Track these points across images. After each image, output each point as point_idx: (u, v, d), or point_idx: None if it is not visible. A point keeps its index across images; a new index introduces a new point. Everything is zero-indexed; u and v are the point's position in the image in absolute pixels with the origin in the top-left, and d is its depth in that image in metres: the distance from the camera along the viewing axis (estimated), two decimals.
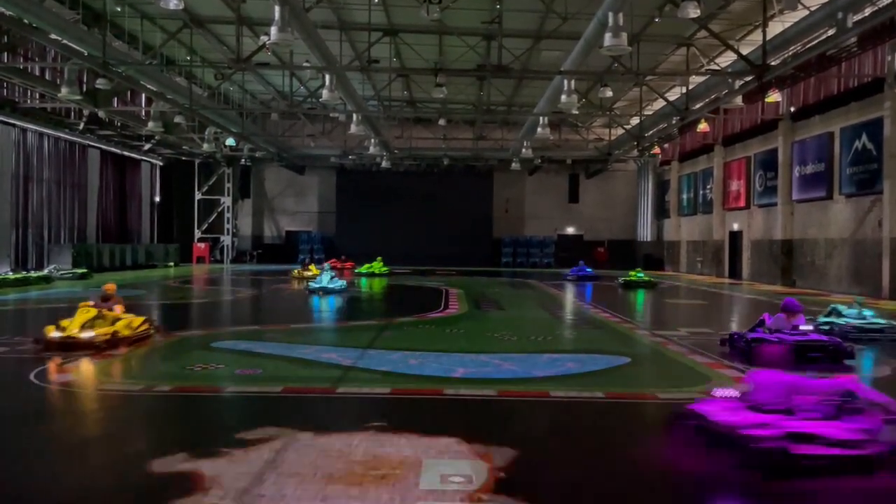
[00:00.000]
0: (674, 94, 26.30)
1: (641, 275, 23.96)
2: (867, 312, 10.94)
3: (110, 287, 10.05)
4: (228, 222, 39.05)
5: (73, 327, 8.87)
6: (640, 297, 19.88)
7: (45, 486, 4.33)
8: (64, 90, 18.30)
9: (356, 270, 28.42)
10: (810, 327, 8.52)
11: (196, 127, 29.58)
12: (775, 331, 8.33)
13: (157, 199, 37.30)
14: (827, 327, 10.20)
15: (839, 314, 10.89)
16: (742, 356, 7.92)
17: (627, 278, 23.63)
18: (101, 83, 19.76)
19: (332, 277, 19.13)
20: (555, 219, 40.35)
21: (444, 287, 21.41)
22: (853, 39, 17.57)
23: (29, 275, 21.29)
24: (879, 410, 4.42)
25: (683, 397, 6.83)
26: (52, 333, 8.80)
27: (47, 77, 23.15)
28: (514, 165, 34.00)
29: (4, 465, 4.77)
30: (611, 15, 13.80)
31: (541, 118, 24.06)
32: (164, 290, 20.64)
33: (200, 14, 20.02)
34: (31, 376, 7.31)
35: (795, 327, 8.29)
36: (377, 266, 28.19)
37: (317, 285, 18.79)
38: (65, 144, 27.98)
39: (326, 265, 21.10)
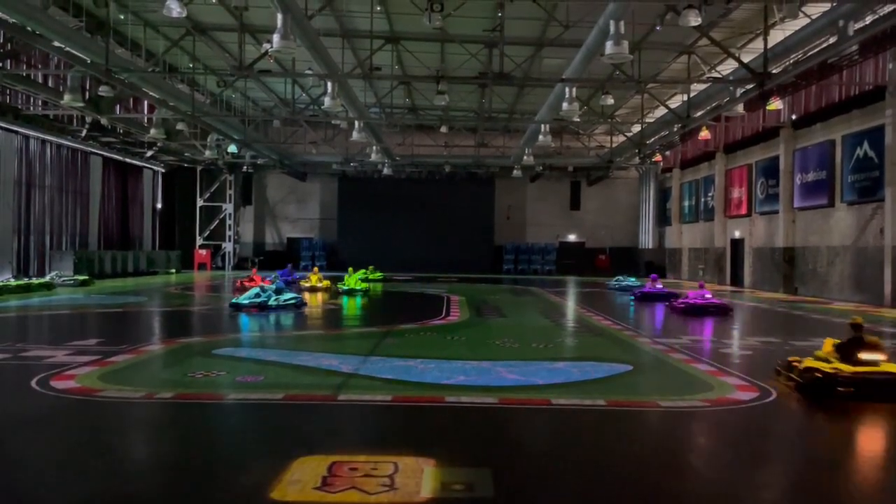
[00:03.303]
0: (675, 102, 26.31)
1: (378, 275, 28.08)
2: (632, 279, 26.21)
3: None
4: (230, 229, 39.10)
5: None
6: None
7: (38, 495, 4.32)
8: (67, 97, 18.39)
9: (340, 286, 21.78)
10: (660, 285, 20.04)
11: (198, 134, 29.64)
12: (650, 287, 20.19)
13: (159, 205, 37.34)
14: (616, 283, 25.77)
15: (623, 280, 25.85)
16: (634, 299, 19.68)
17: (344, 285, 21.71)
18: (103, 90, 19.81)
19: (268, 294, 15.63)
20: (556, 226, 40.35)
21: (446, 294, 21.39)
22: (854, 47, 17.62)
23: (31, 281, 21.29)
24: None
25: (684, 405, 6.82)
26: None
27: (50, 84, 23.25)
28: (516, 172, 34.03)
29: (3, 471, 4.77)
30: (612, 23, 13.84)
31: (542, 125, 24.11)
32: (165, 296, 20.64)
33: (203, 22, 20.09)
34: (33, 383, 7.31)
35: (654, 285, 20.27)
36: (356, 278, 21.89)
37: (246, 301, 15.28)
38: (67, 151, 28.03)
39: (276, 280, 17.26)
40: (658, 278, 21.01)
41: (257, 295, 15.46)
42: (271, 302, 15.34)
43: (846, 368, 7.00)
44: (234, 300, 15.69)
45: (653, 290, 19.92)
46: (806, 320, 15.76)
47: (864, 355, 7.10)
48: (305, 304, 16.75)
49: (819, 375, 7.08)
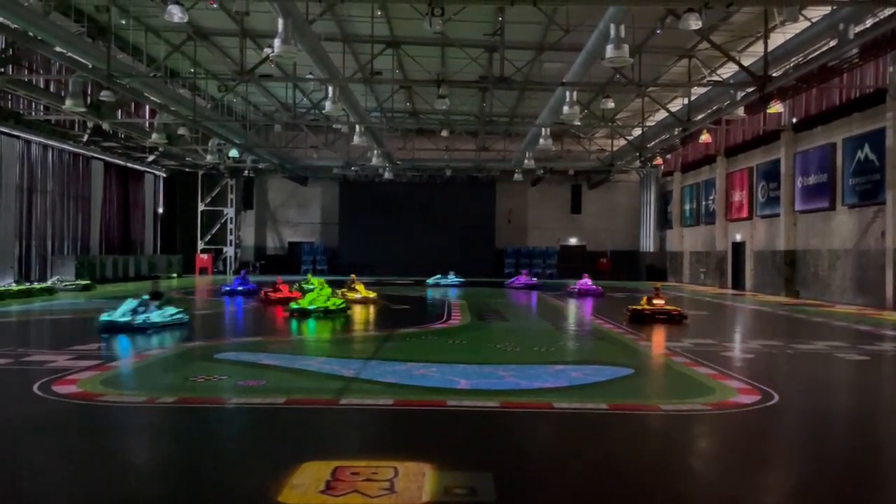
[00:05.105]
0: (676, 105, 26.33)
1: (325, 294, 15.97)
2: (454, 278, 29.21)
3: None
4: (231, 233, 39.11)
5: None
6: None
7: (41, 499, 4.32)
8: (68, 102, 18.38)
9: (293, 305, 15.71)
10: (533, 279, 28.91)
11: (199, 139, 29.67)
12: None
13: (161, 210, 37.39)
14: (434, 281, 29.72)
15: (443, 277, 29.42)
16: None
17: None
18: (105, 95, 19.85)
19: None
20: (557, 229, 40.35)
21: (447, 298, 21.39)
22: (855, 50, 17.61)
23: (32, 286, 21.32)
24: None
25: (686, 408, 6.82)
26: None
27: (52, 89, 23.27)
28: (517, 176, 34.03)
29: (2, 476, 4.77)
30: (612, 26, 13.85)
31: (543, 129, 24.10)
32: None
33: (204, 27, 20.12)
34: (35, 387, 7.31)
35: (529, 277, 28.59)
36: (321, 297, 15.48)
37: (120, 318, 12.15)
38: (69, 156, 28.07)
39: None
40: (527, 273, 30.27)
41: (134, 311, 12.44)
42: (153, 318, 12.56)
43: (647, 307, 14.83)
44: (103, 317, 12.32)
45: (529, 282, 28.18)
46: (805, 322, 15.75)
47: (655, 300, 14.94)
48: (189, 320, 13.66)
49: (636, 311, 14.85)
